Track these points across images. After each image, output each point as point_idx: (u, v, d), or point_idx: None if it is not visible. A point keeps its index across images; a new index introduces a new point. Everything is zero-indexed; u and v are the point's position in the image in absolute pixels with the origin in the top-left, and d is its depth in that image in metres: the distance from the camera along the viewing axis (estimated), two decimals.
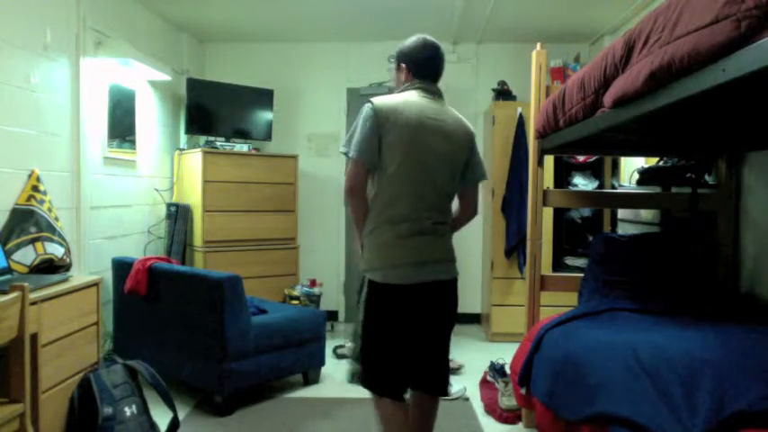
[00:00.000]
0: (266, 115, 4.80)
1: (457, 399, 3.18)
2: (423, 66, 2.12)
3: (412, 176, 1.98)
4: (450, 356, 3.78)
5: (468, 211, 2.21)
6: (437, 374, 2.11)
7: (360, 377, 2.01)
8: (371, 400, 2.06)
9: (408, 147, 1.97)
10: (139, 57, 3.83)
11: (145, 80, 4.13)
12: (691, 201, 2.90)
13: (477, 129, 4.93)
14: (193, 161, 4.29)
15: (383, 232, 1.98)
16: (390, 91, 2.36)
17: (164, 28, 4.43)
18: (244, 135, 4.70)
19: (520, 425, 2.88)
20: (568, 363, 2.11)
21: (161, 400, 2.57)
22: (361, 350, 2.01)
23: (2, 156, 2.70)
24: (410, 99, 2.05)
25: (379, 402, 2.01)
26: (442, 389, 2.14)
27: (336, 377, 3.60)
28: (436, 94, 2.12)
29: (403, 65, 2.15)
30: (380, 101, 2.01)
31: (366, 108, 2.01)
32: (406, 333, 2.00)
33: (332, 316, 4.83)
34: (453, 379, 3.32)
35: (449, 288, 2.07)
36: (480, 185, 2.23)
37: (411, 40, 2.16)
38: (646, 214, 3.58)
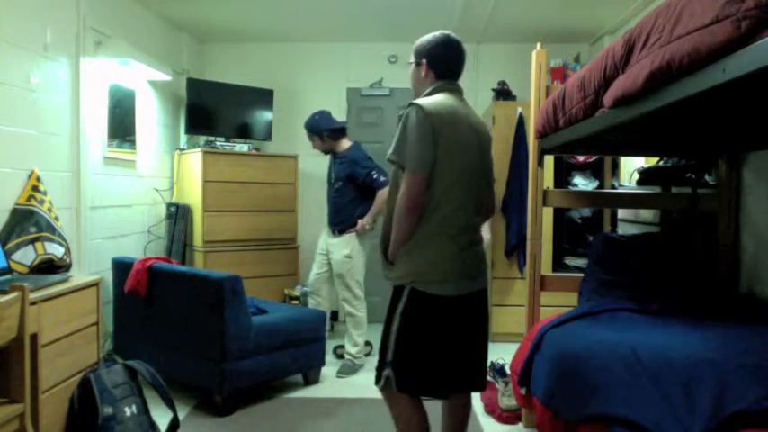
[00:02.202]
0: (266, 115, 4.80)
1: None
2: (450, 65, 2.06)
3: (466, 187, 1.96)
4: None
5: (491, 212, 2.23)
6: (478, 373, 2.11)
7: (394, 382, 1.94)
8: (387, 401, 2.03)
9: (457, 155, 1.93)
10: (139, 57, 3.83)
11: (145, 80, 4.13)
12: (691, 201, 2.90)
13: None
14: (193, 161, 4.29)
15: (441, 245, 1.92)
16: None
17: (164, 28, 4.43)
18: (244, 135, 4.70)
19: (520, 425, 2.88)
20: (568, 363, 2.11)
21: (161, 400, 2.57)
22: (394, 356, 1.94)
23: (2, 156, 2.70)
24: (450, 102, 1.99)
25: (399, 403, 1.99)
26: (482, 385, 2.14)
27: (336, 377, 3.60)
28: (461, 94, 2.09)
29: (424, 61, 2.07)
30: (429, 104, 1.92)
31: (416, 112, 1.90)
32: (454, 340, 1.97)
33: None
34: None
35: (485, 294, 2.10)
36: None
37: (433, 36, 2.08)
38: (646, 214, 3.58)
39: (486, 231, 4.00)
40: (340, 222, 3.80)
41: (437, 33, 2.09)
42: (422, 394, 2.00)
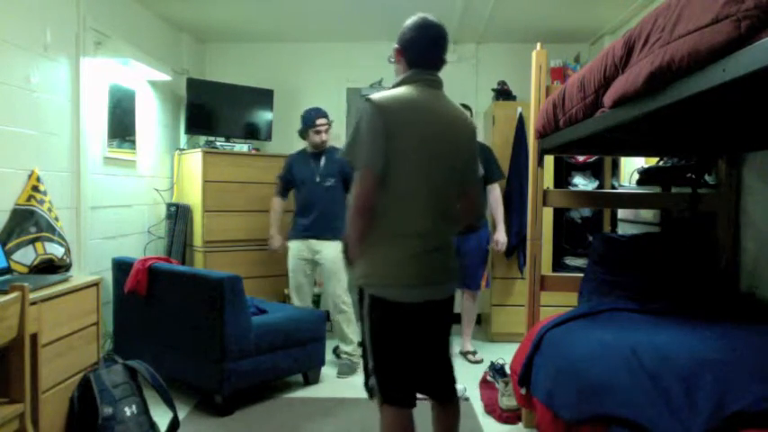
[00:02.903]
0: (266, 115, 4.80)
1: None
2: (423, 53, 1.88)
3: (425, 186, 1.80)
4: (473, 349, 3.62)
5: (473, 212, 2.02)
6: (445, 380, 2.04)
7: (378, 392, 1.86)
8: (377, 407, 1.95)
9: (420, 152, 1.79)
10: (139, 57, 3.83)
11: (145, 80, 4.13)
12: (691, 201, 2.90)
13: (478, 129, 4.92)
14: (193, 161, 4.29)
15: (394, 248, 1.81)
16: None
17: (164, 28, 4.42)
18: (243, 135, 4.70)
19: (520, 425, 2.88)
20: (568, 363, 2.10)
21: (161, 400, 2.57)
22: (374, 365, 1.87)
23: (2, 156, 2.70)
24: (414, 95, 1.83)
25: (386, 418, 1.88)
26: (451, 393, 2.05)
27: (336, 377, 3.60)
28: (439, 87, 1.91)
29: (396, 47, 1.92)
30: (382, 98, 1.80)
31: (367, 108, 1.79)
32: (414, 346, 1.89)
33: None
34: (462, 374, 3.29)
35: (449, 303, 2.00)
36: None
37: (410, 20, 1.90)
38: (646, 214, 3.58)
39: (499, 233, 3.99)
40: (328, 226, 3.67)
41: (415, 16, 1.90)
42: (403, 404, 1.87)
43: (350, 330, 3.76)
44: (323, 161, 3.79)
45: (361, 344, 1.94)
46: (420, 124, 1.81)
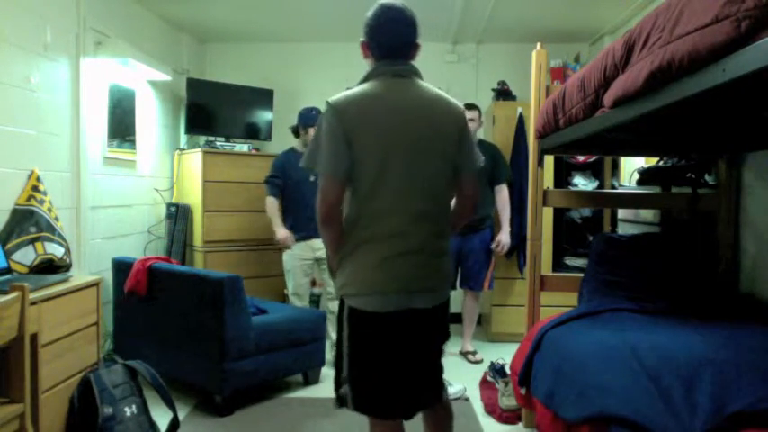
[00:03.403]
0: (266, 115, 4.80)
1: (457, 399, 3.18)
2: (386, 42, 1.73)
3: (393, 185, 1.67)
4: (473, 349, 3.51)
5: (466, 206, 1.88)
6: (429, 390, 1.86)
7: (351, 402, 1.78)
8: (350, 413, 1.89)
9: (384, 151, 1.65)
10: (139, 57, 3.83)
11: (145, 80, 4.13)
12: (691, 201, 2.90)
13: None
14: (193, 161, 4.29)
15: (365, 253, 1.70)
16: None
17: (164, 28, 4.42)
18: (244, 135, 4.70)
19: (520, 425, 2.88)
20: (568, 363, 2.11)
21: (161, 400, 2.57)
22: (349, 374, 1.76)
23: (2, 156, 2.70)
24: (372, 90, 1.70)
25: (372, 424, 1.85)
26: (435, 398, 1.90)
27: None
28: (408, 76, 1.75)
29: (362, 42, 1.77)
30: (339, 100, 1.69)
31: (325, 111, 1.69)
32: (394, 358, 1.74)
33: None
34: (462, 374, 3.33)
35: (439, 311, 1.80)
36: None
37: (370, 10, 1.75)
38: (646, 214, 3.58)
39: (503, 234, 3.95)
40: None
41: (374, 5, 1.75)
42: (378, 415, 1.80)
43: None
44: None
45: (336, 351, 1.84)
46: (381, 121, 1.66)
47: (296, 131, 3.89)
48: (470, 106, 3.86)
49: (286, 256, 3.86)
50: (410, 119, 1.69)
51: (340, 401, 1.81)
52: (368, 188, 1.68)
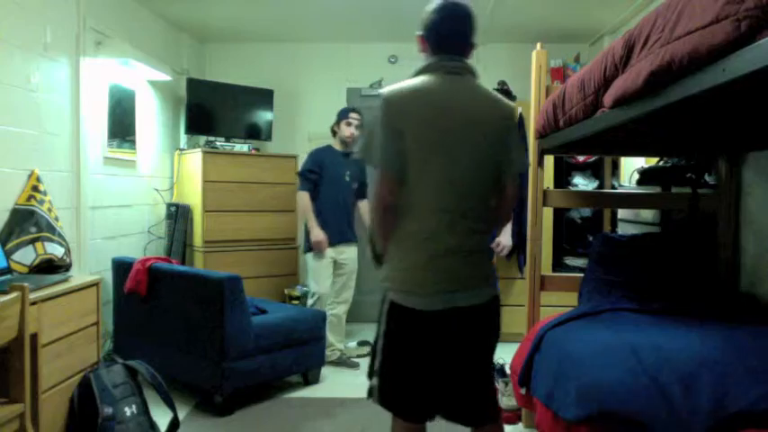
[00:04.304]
0: (266, 115, 4.80)
1: None
2: (442, 36, 1.73)
3: (440, 182, 1.67)
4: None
5: (507, 207, 1.87)
6: (473, 402, 1.82)
7: (377, 396, 1.77)
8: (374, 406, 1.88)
9: (431, 147, 1.66)
10: (139, 57, 3.83)
11: (145, 80, 4.13)
12: (691, 201, 2.90)
13: None
14: (193, 161, 4.29)
15: (409, 250, 1.71)
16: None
17: (164, 28, 4.42)
18: (244, 135, 4.70)
19: (520, 425, 2.88)
20: (568, 363, 2.10)
21: (161, 400, 2.57)
22: (380, 368, 1.76)
23: (2, 156, 2.70)
24: (428, 84, 1.70)
25: (393, 424, 1.83)
26: (481, 417, 1.83)
27: (336, 377, 3.60)
28: (462, 73, 1.75)
29: (418, 34, 1.78)
30: (393, 92, 1.68)
31: (379, 104, 1.68)
32: (431, 359, 1.73)
33: None
34: None
35: (484, 311, 1.76)
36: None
37: (430, 4, 1.77)
38: (646, 214, 3.58)
39: (504, 235, 3.93)
40: (351, 230, 3.84)
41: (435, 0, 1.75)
42: (400, 414, 1.79)
43: (340, 330, 3.84)
44: (351, 162, 3.81)
45: (374, 345, 1.82)
46: (430, 117, 1.66)
47: (333, 129, 3.89)
48: (504, 93, 3.91)
49: (310, 255, 3.80)
50: (458, 117, 1.69)
51: (369, 392, 1.81)
52: (415, 183, 1.68)
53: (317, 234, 3.66)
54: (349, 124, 3.77)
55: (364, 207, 3.89)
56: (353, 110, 3.83)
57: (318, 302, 3.77)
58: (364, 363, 3.82)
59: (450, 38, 1.75)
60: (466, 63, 1.77)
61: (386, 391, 1.76)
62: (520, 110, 4.27)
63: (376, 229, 1.79)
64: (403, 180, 1.68)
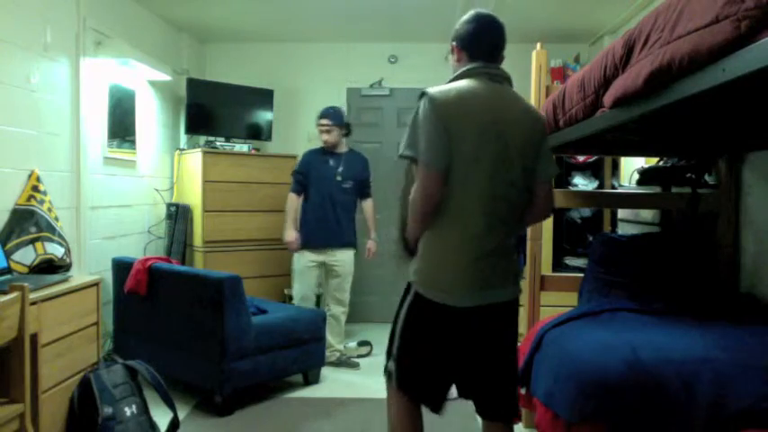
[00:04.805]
0: (266, 115, 4.80)
1: (456, 399, 3.17)
2: (477, 43, 1.83)
3: (482, 185, 1.72)
4: None
5: (540, 211, 1.94)
6: (496, 398, 1.88)
7: (395, 379, 1.85)
8: (387, 399, 1.96)
9: (476, 149, 1.70)
10: (139, 57, 3.83)
11: (145, 80, 4.13)
12: (691, 201, 2.90)
13: None
14: (193, 161, 4.29)
15: (447, 250, 1.76)
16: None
17: (164, 28, 4.42)
18: (244, 135, 4.70)
19: (520, 425, 2.88)
20: (568, 362, 2.10)
21: (161, 400, 2.57)
22: (397, 354, 1.85)
23: (2, 156, 2.70)
24: (470, 87, 1.75)
25: (393, 402, 1.91)
26: (507, 415, 1.89)
27: (336, 377, 3.60)
28: (499, 79, 1.82)
29: (454, 44, 1.88)
30: (439, 92, 1.72)
31: (424, 103, 1.72)
32: (449, 351, 1.81)
33: None
34: None
35: (508, 307, 1.84)
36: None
37: (463, 17, 1.91)
38: (646, 214, 3.58)
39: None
40: (344, 233, 3.77)
41: (469, 12, 1.89)
42: (418, 400, 1.88)
43: (339, 331, 3.82)
44: (342, 161, 3.79)
45: (392, 328, 1.90)
46: (478, 119, 1.71)
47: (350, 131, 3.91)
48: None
49: (296, 256, 3.85)
50: (502, 122, 1.75)
51: (388, 374, 1.89)
52: (460, 185, 1.72)
53: (288, 235, 3.76)
54: (320, 132, 3.79)
55: (368, 207, 3.88)
56: (323, 115, 3.80)
57: (305, 303, 3.80)
58: (364, 363, 3.83)
59: (487, 46, 1.84)
60: (504, 71, 1.86)
61: (404, 376, 1.84)
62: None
63: (415, 227, 1.81)
64: (447, 179, 1.71)
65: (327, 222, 3.74)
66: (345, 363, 3.78)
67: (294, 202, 3.80)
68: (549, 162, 1.90)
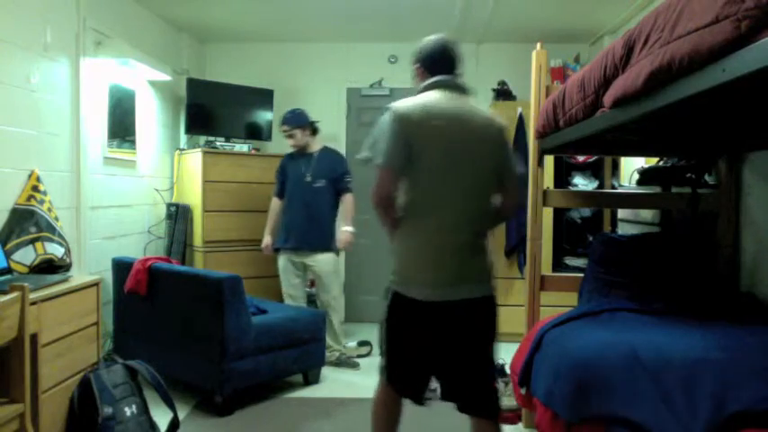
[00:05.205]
0: (266, 115, 4.80)
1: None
2: (437, 59, 2.01)
3: (438, 187, 1.88)
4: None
5: (509, 208, 2.06)
6: (474, 394, 1.97)
7: (384, 373, 2.03)
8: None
9: (437, 154, 1.87)
10: (139, 57, 3.83)
11: (145, 80, 4.13)
12: (691, 201, 2.90)
13: None
14: (193, 161, 4.29)
15: (410, 246, 1.92)
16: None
17: (164, 28, 4.42)
18: (244, 135, 4.70)
19: (520, 425, 2.88)
20: (568, 363, 2.10)
21: (161, 400, 2.57)
22: (381, 349, 2.03)
23: (2, 156, 2.70)
24: (436, 99, 1.93)
25: (379, 391, 2.08)
26: (485, 410, 1.98)
27: (336, 377, 3.60)
28: (459, 90, 1.99)
29: (417, 65, 2.07)
30: (401, 105, 1.91)
31: (388, 114, 1.91)
32: (425, 345, 1.94)
33: None
34: None
35: (477, 306, 1.92)
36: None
37: (425, 39, 2.08)
38: (646, 214, 3.58)
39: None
40: (320, 236, 3.72)
41: (427, 38, 2.08)
42: (401, 393, 2.03)
43: (332, 331, 3.78)
44: (313, 161, 3.78)
45: (379, 325, 2.04)
46: (443, 129, 1.87)
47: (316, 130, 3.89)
48: None
49: (279, 256, 3.88)
50: (463, 129, 1.91)
51: (381, 370, 2.06)
52: (422, 186, 1.89)
53: (264, 240, 3.87)
54: (284, 137, 3.85)
55: (346, 200, 3.79)
56: (282, 121, 3.83)
57: (292, 301, 3.83)
58: (364, 363, 3.83)
59: (446, 61, 2.02)
60: (464, 83, 2.02)
61: (389, 369, 2.01)
62: (520, 110, 4.29)
63: (380, 220, 1.99)
64: (408, 181, 1.89)
65: (298, 226, 3.75)
66: (345, 363, 3.78)
67: (275, 206, 3.90)
68: (514, 164, 2.03)
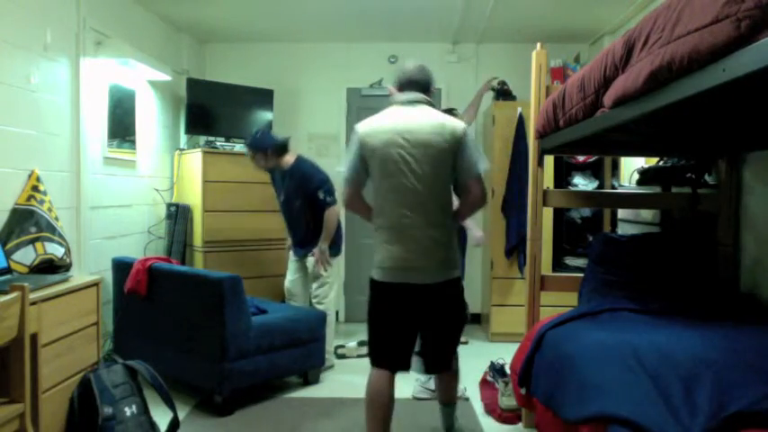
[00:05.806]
0: (266, 115, 4.80)
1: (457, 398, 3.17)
2: (404, 79, 2.34)
3: (391, 189, 2.21)
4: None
5: (469, 203, 2.33)
6: (433, 358, 2.40)
7: (369, 351, 2.35)
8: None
9: (384, 162, 2.21)
10: (139, 57, 3.83)
11: (145, 80, 4.13)
12: (691, 201, 2.90)
13: (478, 128, 4.93)
14: (193, 161, 4.29)
15: (376, 237, 2.31)
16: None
17: (164, 28, 4.43)
18: (244, 135, 4.69)
19: (520, 425, 2.88)
20: (568, 363, 2.11)
21: (161, 400, 2.57)
22: (369, 333, 2.35)
23: (2, 156, 2.70)
24: (387, 117, 2.26)
25: (371, 374, 2.31)
26: (438, 368, 2.45)
27: (336, 377, 3.60)
28: (416, 102, 2.28)
29: (391, 87, 2.41)
30: (362, 124, 2.29)
31: (353, 134, 2.31)
32: (394, 322, 2.28)
33: None
34: (462, 374, 3.25)
35: (436, 290, 2.24)
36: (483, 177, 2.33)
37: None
38: (646, 214, 3.58)
39: (473, 228, 3.59)
40: (308, 246, 3.67)
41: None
42: (375, 363, 2.31)
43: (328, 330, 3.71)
44: (286, 178, 3.64)
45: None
46: (387, 139, 2.20)
47: (283, 149, 3.64)
48: (448, 111, 3.78)
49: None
50: (411, 136, 2.20)
51: (368, 355, 2.38)
52: (378, 187, 2.26)
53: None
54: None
55: (326, 217, 3.58)
56: (246, 145, 3.68)
57: (288, 295, 3.84)
58: (365, 363, 3.81)
59: (409, 80, 2.33)
60: (422, 96, 2.31)
61: (370, 348, 2.34)
62: (520, 110, 4.29)
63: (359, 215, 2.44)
64: (374, 186, 2.29)
65: (291, 235, 3.83)
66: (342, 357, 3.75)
67: None
68: (475, 161, 2.26)
